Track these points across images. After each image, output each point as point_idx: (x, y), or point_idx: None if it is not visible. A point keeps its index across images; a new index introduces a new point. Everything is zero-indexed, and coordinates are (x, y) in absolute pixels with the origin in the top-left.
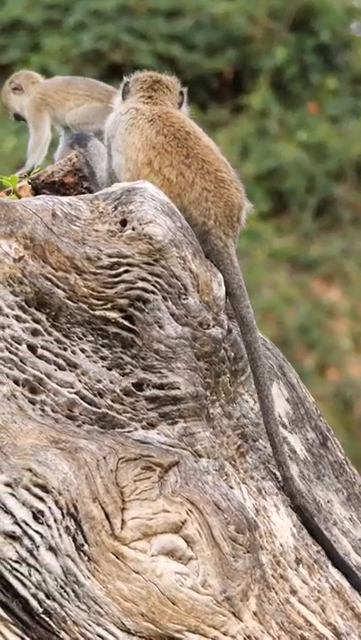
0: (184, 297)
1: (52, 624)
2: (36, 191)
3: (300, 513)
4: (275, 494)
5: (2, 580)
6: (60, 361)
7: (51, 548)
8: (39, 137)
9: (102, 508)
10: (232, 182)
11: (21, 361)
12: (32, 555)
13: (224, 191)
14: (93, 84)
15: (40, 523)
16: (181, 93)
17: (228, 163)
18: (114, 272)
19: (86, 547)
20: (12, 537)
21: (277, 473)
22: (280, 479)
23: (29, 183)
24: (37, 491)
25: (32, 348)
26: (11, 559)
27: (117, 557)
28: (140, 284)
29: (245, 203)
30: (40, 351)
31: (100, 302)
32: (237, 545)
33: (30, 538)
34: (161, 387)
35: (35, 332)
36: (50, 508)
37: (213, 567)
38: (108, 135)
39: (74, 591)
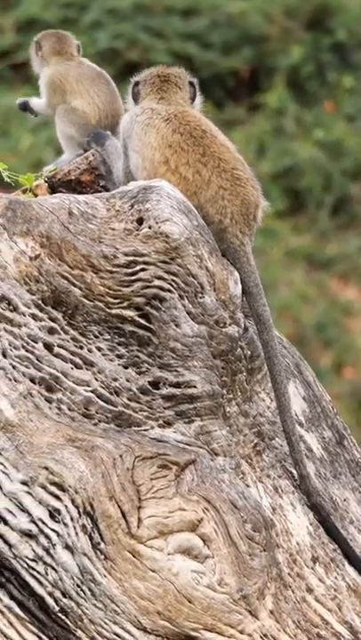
0: (200, 295)
1: (68, 623)
2: (53, 189)
3: (317, 511)
4: (291, 493)
5: (18, 578)
6: (77, 359)
7: (67, 547)
8: (45, 113)
9: (119, 506)
10: (248, 180)
11: (37, 359)
12: (48, 553)
13: (240, 189)
14: (112, 99)
15: (56, 521)
16: (191, 84)
17: (244, 161)
18: (130, 270)
19: (103, 545)
20: (28, 535)
21: (294, 471)
22: (296, 477)
23: (46, 182)
24: (54, 489)
25: (48, 347)
26: (27, 557)
27: (134, 556)
28: (157, 282)
29: (262, 201)
30: (56, 349)
31: (116, 301)
32: (254, 543)
33: (47, 536)
34: (177, 385)
35: (51, 331)
36: (66, 506)
37: (230, 566)
38: (124, 136)
39: (90, 590)
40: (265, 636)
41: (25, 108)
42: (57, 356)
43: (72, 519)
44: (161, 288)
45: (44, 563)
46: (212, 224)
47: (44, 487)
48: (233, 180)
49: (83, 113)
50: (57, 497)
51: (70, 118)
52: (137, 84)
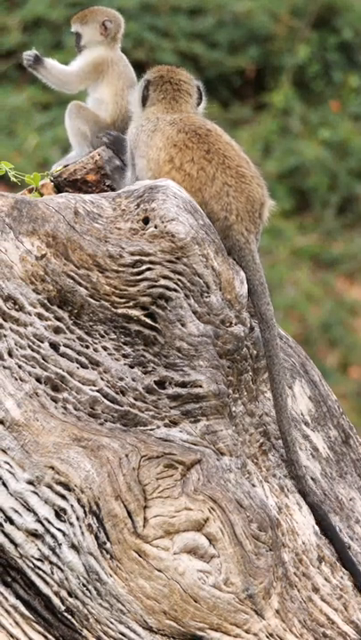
0: (206, 295)
1: (74, 622)
2: (59, 189)
3: (314, 511)
4: (297, 492)
5: (24, 577)
6: (83, 359)
7: (73, 546)
8: (62, 81)
9: (124, 505)
10: (253, 178)
11: (43, 359)
12: (54, 552)
13: (245, 186)
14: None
15: (62, 521)
16: (198, 88)
17: (249, 160)
18: (136, 270)
19: (108, 545)
20: (34, 535)
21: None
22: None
23: (51, 181)
24: (60, 488)
25: (54, 346)
26: (33, 557)
27: (140, 555)
28: (163, 281)
29: (267, 199)
30: (62, 349)
31: (122, 300)
32: (260, 543)
33: (53, 536)
34: (183, 385)
35: (57, 330)
36: (72, 505)
37: (236, 565)
38: (131, 146)
39: (96, 589)
40: (271, 635)
41: (36, 61)
42: (63, 355)
43: (78, 518)
44: (167, 287)
45: (50, 562)
46: (218, 221)
47: (49, 486)
48: (238, 176)
49: (105, 105)
50: (63, 496)
51: (84, 115)
52: (148, 84)
